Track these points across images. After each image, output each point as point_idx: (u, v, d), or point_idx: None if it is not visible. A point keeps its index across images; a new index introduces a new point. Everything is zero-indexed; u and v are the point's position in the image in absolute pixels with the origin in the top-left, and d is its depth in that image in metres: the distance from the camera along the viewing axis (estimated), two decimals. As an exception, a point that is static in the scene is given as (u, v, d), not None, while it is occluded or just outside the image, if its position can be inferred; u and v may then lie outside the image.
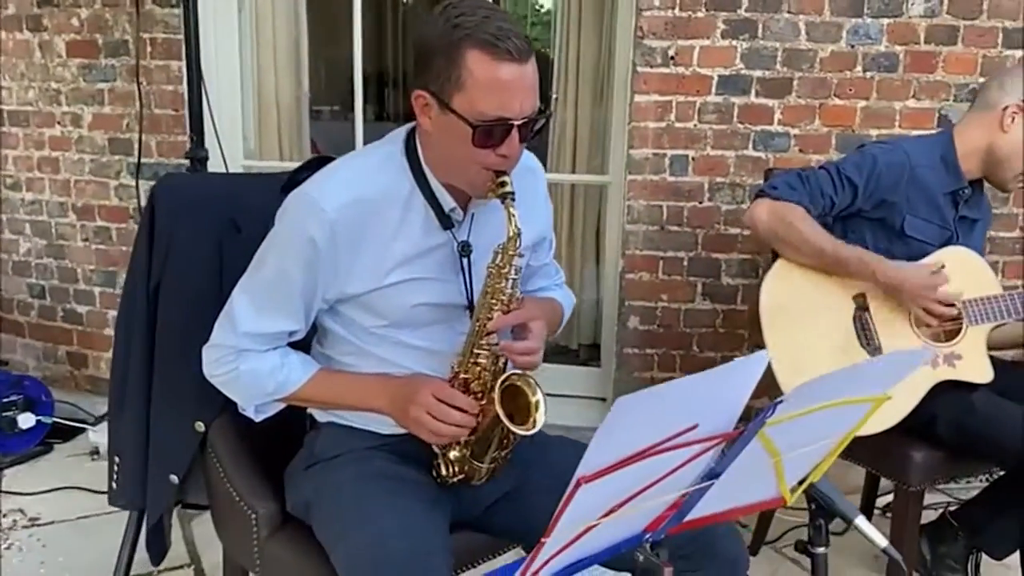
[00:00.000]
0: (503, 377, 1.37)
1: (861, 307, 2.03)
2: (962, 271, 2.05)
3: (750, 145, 2.81)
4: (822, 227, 2.03)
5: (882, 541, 1.21)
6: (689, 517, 1.07)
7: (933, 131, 2.23)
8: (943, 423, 1.98)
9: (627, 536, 1.05)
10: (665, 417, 0.86)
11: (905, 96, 2.78)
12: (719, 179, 2.82)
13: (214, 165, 2.81)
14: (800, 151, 2.78)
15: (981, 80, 2.71)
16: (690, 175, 2.82)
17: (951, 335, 2.03)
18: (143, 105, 2.99)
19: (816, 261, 2.02)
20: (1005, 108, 2.02)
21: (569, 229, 3.57)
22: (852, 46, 2.75)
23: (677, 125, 2.80)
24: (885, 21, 2.74)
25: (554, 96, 3.45)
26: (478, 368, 1.41)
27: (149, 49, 2.98)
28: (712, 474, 0.99)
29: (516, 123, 1.31)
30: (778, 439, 1.01)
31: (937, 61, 2.77)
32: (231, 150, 3.03)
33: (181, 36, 2.81)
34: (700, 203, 2.84)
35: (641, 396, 0.78)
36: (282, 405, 1.52)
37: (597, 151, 3.37)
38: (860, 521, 1.22)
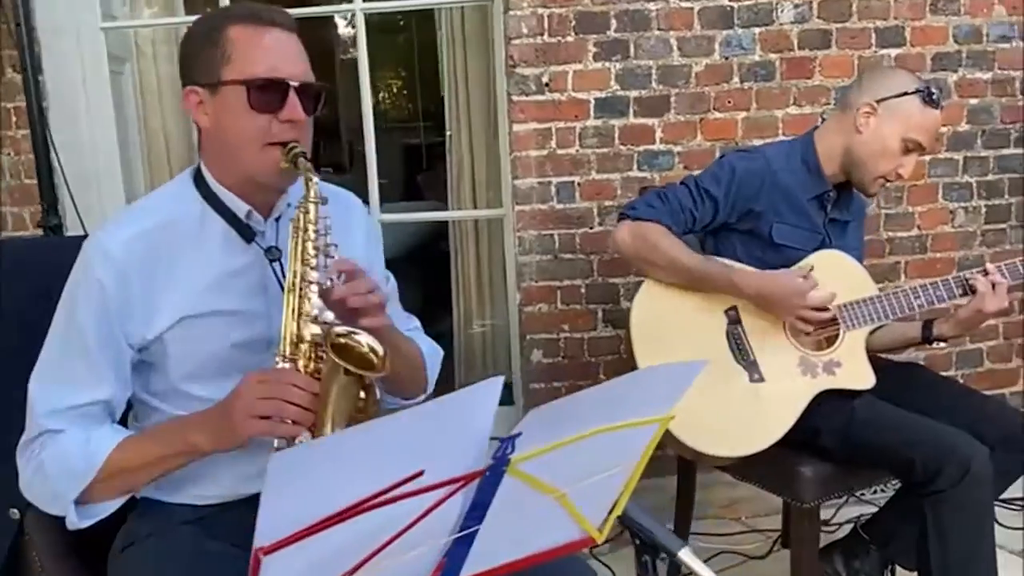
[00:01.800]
0: (333, 333, 1.20)
1: (733, 321, 1.96)
2: (835, 274, 1.99)
3: (634, 166, 2.76)
4: (685, 243, 1.97)
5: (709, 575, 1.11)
6: (470, 571, 0.97)
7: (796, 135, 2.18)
8: (827, 434, 1.90)
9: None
10: (375, 464, 0.76)
11: (785, 104, 2.75)
12: (607, 203, 2.76)
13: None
14: (685, 167, 2.74)
15: (860, 82, 2.70)
16: (578, 201, 2.76)
17: (829, 341, 1.96)
18: (11, 176, 2.88)
19: (682, 278, 1.95)
20: (859, 109, 1.98)
21: (476, 267, 3.49)
22: (726, 58, 2.72)
23: (559, 152, 2.75)
24: (756, 30, 2.72)
25: (448, 133, 3.40)
26: (304, 345, 1.23)
27: (14, 119, 2.88)
28: (470, 522, 0.89)
29: (293, 84, 1.28)
30: (546, 474, 0.92)
31: (813, 66, 2.75)
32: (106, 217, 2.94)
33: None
34: (591, 228, 2.77)
35: (302, 449, 0.68)
36: (111, 502, 1.33)
37: (494, 185, 3.31)
38: (684, 554, 1.12)
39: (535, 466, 0.89)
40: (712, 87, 2.73)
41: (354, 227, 1.50)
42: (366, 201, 3.10)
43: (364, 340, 1.22)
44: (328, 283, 1.24)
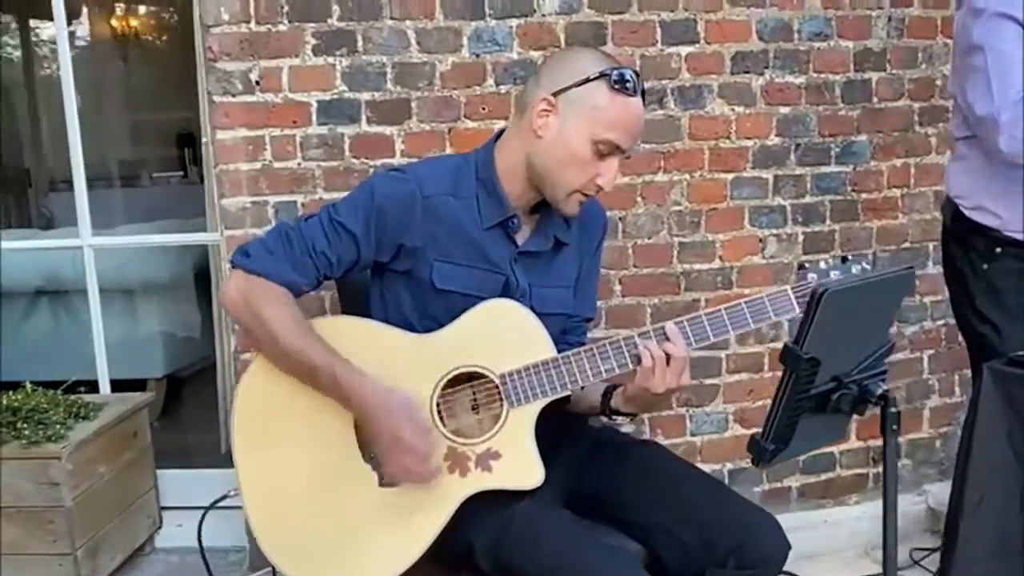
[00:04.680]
0: None
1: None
2: (502, 333, 1.51)
3: (370, 183, 2.28)
4: (301, 320, 1.48)
5: None
6: None
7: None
8: (480, 551, 1.44)
9: None
10: None
11: (551, 111, 2.28)
12: (335, 228, 2.28)
13: None
14: (426, 186, 2.26)
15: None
16: (302, 225, 2.28)
17: (489, 424, 1.49)
18: None
19: (286, 366, 1.47)
20: (534, 107, 1.51)
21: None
22: (477, 55, 2.25)
23: (276, 165, 2.26)
24: (513, 23, 2.25)
25: (205, 140, 2.90)
26: None
27: None
28: None
29: None
30: None
31: (585, 66, 2.28)
32: None
33: None
34: (317, 259, 2.29)
35: None
36: None
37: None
38: None
39: None
40: (462, 91, 2.25)
41: None
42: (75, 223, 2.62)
43: None
44: None
